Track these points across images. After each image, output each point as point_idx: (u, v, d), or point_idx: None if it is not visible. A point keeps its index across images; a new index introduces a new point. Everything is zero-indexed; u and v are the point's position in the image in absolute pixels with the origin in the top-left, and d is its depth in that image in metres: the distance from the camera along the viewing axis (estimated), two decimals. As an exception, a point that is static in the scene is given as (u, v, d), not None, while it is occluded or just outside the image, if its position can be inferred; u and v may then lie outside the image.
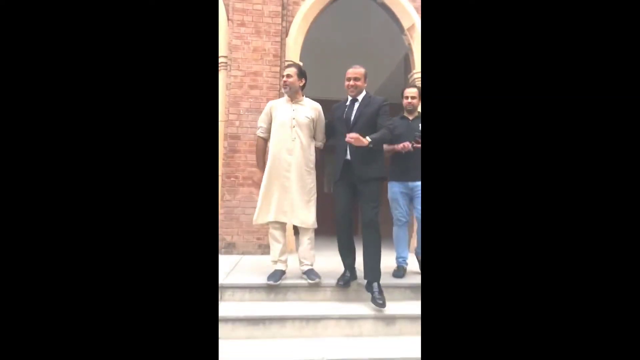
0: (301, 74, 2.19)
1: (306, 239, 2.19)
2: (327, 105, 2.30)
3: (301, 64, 3.61)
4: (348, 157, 2.01)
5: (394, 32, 3.97)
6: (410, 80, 3.87)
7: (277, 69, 3.42)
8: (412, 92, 2.44)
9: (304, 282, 2.15)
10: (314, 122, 2.19)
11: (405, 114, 2.46)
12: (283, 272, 2.19)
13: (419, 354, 1.72)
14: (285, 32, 3.54)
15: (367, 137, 1.83)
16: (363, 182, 1.99)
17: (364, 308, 1.99)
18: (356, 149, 1.94)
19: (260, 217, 2.16)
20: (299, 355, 1.68)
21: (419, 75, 3.75)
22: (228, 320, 1.84)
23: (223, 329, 1.82)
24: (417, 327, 1.95)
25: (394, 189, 2.40)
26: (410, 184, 2.34)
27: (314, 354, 1.69)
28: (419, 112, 2.47)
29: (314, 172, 2.20)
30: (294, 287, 2.14)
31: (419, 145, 2.19)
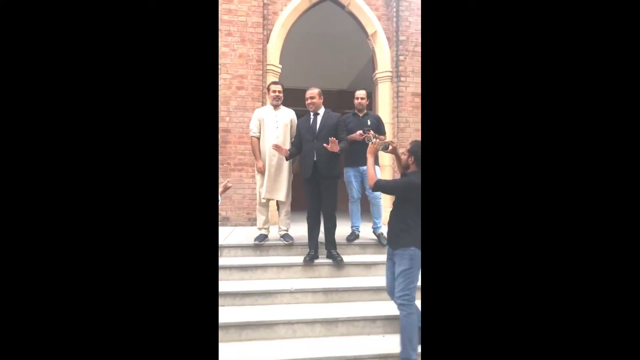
0: (283, 89, 2.97)
1: (284, 211, 3.00)
2: (300, 93, 2.85)
3: (281, 66, 4.27)
4: (315, 158, 2.67)
5: (361, 35, 4.60)
6: (374, 79, 4.56)
7: (260, 72, 4.06)
8: (362, 94, 3.04)
9: (281, 242, 2.93)
10: (291, 123, 2.95)
11: (356, 112, 3.05)
12: (266, 236, 2.99)
13: (360, 285, 2.53)
14: (266, 40, 4.16)
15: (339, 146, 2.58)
16: (325, 179, 2.68)
17: (323, 259, 2.78)
18: (322, 153, 2.62)
19: (265, 194, 2.88)
20: (276, 287, 2.48)
21: (382, 75, 4.44)
22: (227, 267, 2.63)
23: (223, 273, 2.61)
24: (360, 270, 2.77)
25: (349, 173, 3.05)
26: (361, 168, 2.96)
27: (286, 287, 2.49)
28: (366, 110, 3.08)
29: (290, 160, 2.91)
30: (274, 246, 2.93)
31: (370, 135, 2.62)
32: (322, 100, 2.80)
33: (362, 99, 3.04)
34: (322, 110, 2.79)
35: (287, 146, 2.83)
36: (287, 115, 2.95)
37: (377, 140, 1.89)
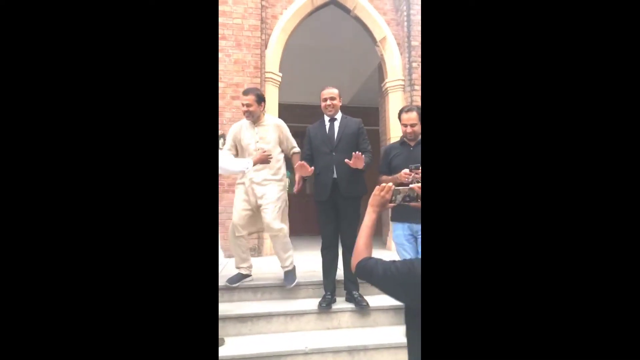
0: (259, 98, 2.25)
1: (279, 244, 2.27)
2: (304, 109, 2.41)
3: (281, 75, 3.81)
4: (335, 175, 2.14)
5: (367, 43, 4.21)
6: (384, 89, 4.13)
7: (258, 80, 3.58)
8: (412, 119, 2.00)
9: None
10: (280, 138, 2.32)
11: (406, 140, 2.07)
12: (245, 276, 2.29)
13: (392, 341, 1.95)
14: (264, 45, 3.71)
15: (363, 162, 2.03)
16: (346, 199, 2.14)
17: (343, 302, 2.20)
18: (343, 168, 2.08)
19: (237, 230, 2.28)
20: (284, 347, 1.88)
21: (393, 84, 4.01)
22: (220, 318, 2.01)
23: (214, 327, 1.99)
24: (390, 317, 2.19)
25: (398, 231, 2.04)
26: (415, 225, 1.98)
27: (298, 345, 1.89)
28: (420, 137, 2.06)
29: (283, 181, 2.32)
30: (279, 287, 2.33)
31: (419, 176, 1.78)
32: (341, 103, 2.28)
33: (412, 125, 2.01)
34: (339, 116, 2.25)
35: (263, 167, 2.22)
36: (272, 129, 2.28)
37: (390, 184, 1.01)
